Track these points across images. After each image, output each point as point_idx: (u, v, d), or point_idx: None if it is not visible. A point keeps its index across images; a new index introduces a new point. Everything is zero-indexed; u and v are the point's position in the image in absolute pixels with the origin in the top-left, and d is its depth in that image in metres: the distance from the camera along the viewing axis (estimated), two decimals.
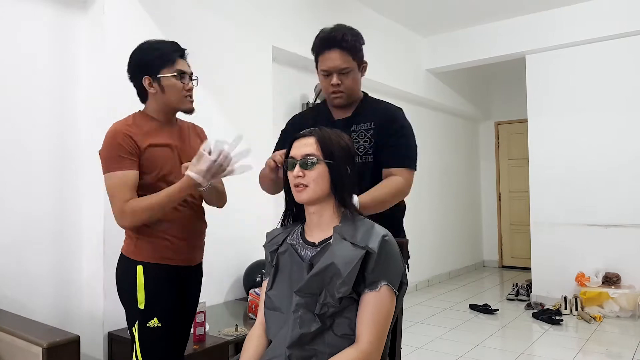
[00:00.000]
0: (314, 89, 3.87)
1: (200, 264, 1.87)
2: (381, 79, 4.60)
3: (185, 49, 1.78)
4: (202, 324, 2.18)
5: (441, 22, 5.05)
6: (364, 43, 1.76)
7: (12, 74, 2.29)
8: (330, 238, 1.31)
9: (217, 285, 3.02)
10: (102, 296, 2.40)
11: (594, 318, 4.11)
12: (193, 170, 1.58)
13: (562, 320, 4.09)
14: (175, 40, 1.75)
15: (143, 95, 1.75)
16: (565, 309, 4.35)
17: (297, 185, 1.31)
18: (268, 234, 1.46)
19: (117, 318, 2.42)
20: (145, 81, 1.70)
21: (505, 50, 4.97)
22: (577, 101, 4.65)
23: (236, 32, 3.18)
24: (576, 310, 4.28)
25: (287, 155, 1.38)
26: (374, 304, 1.22)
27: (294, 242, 1.37)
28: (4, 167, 2.24)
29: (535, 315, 4.25)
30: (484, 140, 7.17)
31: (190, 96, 1.76)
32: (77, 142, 2.50)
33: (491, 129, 7.10)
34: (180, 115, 1.78)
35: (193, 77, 1.79)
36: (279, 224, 1.47)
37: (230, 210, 3.10)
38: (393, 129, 1.73)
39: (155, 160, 1.66)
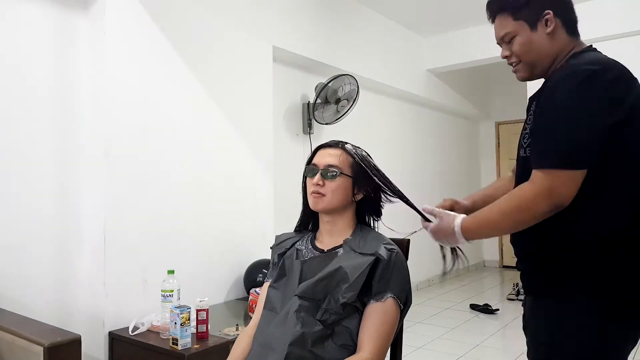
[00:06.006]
0: (315, 89, 3.87)
1: None
2: (381, 79, 4.60)
3: None
4: (204, 321, 2.16)
5: (442, 22, 5.05)
6: None
7: (12, 74, 2.29)
8: (339, 247, 1.31)
9: (217, 284, 3.02)
10: (103, 295, 2.40)
11: None
12: None
13: None
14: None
15: None
16: None
17: (314, 193, 1.32)
18: (277, 236, 1.46)
19: (118, 318, 2.43)
20: None
21: None
22: None
23: (236, 32, 3.18)
24: None
25: (309, 162, 1.38)
26: (378, 315, 1.21)
27: (303, 247, 1.37)
28: (4, 167, 2.25)
29: None
30: (484, 140, 7.16)
31: None
32: (77, 142, 2.50)
33: (492, 129, 7.09)
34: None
35: None
36: (293, 230, 1.47)
37: (231, 211, 3.13)
38: (539, 110, 1.19)
39: None
